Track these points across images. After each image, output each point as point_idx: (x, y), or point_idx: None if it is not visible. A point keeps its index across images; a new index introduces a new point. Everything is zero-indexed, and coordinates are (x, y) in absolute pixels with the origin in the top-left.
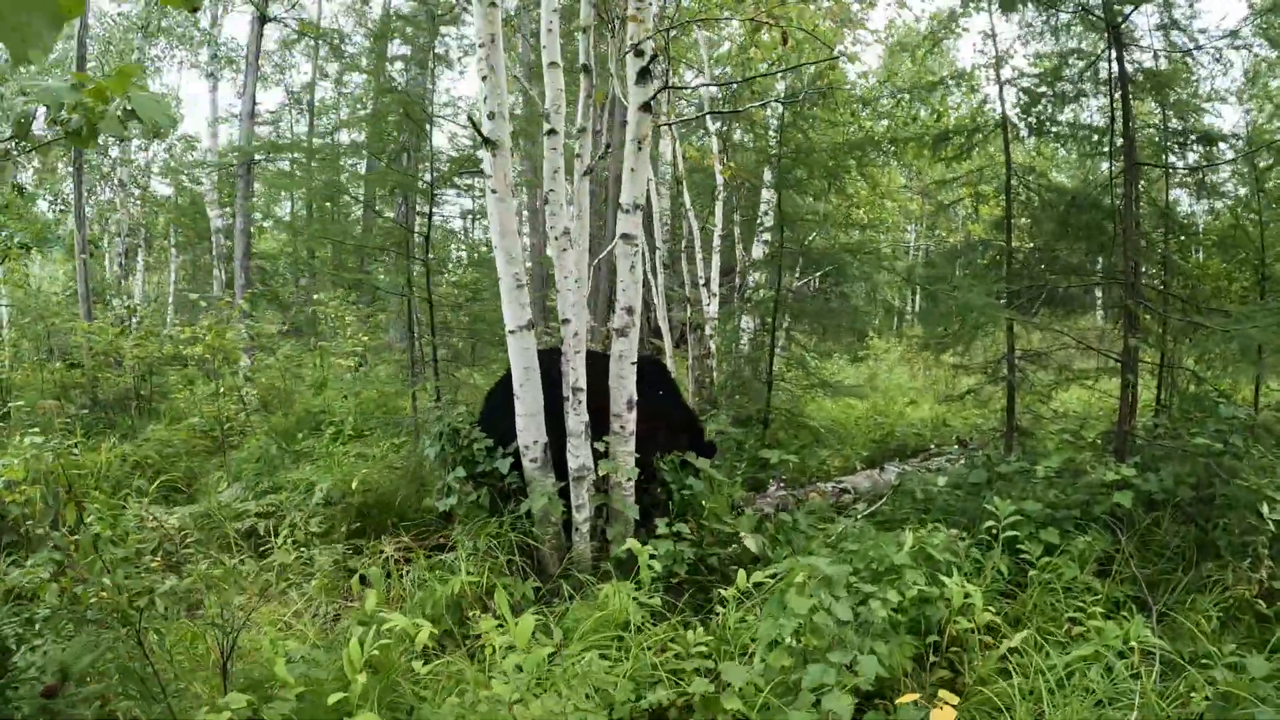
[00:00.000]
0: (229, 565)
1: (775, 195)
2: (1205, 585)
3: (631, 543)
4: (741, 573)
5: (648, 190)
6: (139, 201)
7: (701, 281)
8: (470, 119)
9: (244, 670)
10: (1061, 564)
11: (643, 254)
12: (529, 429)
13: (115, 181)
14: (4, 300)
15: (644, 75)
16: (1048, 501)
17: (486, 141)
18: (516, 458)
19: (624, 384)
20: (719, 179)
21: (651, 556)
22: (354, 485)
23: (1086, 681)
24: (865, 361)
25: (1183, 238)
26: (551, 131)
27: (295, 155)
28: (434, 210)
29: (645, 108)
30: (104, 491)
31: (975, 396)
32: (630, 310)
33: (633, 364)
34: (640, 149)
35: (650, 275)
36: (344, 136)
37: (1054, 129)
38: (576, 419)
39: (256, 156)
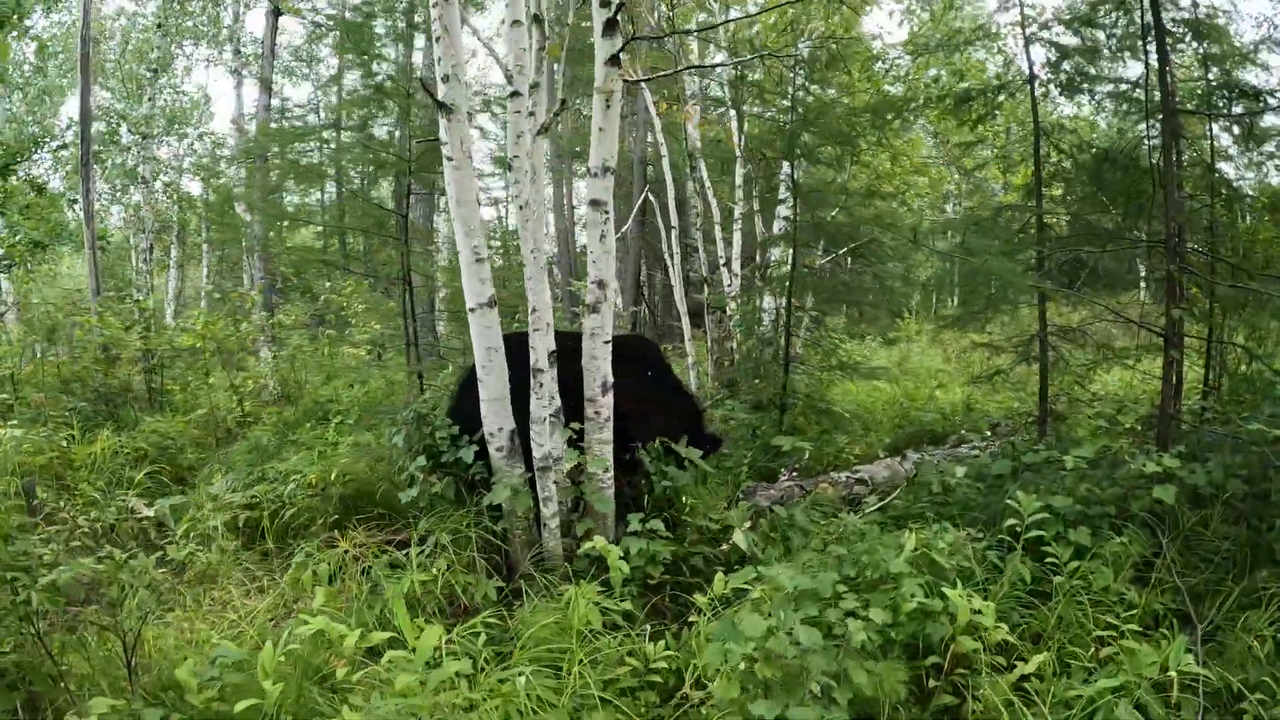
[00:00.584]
0: (146, 560)
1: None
2: (1260, 598)
3: (597, 540)
4: (719, 577)
5: (662, 168)
6: (166, 198)
7: (722, 261)
8: (422, 83)
9: (162, 672)
10: (1092, 569)
11: (671, 237)
12: (494, 415)
13: (139, 179)
14: (9, 296)
15: (610, 27)
16: (1079, 496)
17: (441, 106)
18: (483, 446)
19: (598, 365)
20: (738, 153)
21: (621, 556)
22: (333, 476)
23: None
24: (898, 343)
25: (1230, 201)
26: (515, 94)
27: (313, 144)
28: (412, 188)
29: (613, 61)
30: (91, 484)
31: (1005, 378)
32: (601, 284)
33: (606, 343)
34: (609, 106)
35: (668, 257)
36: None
37: (1085, 84)
38: (539, 404)
39: (274, 148)
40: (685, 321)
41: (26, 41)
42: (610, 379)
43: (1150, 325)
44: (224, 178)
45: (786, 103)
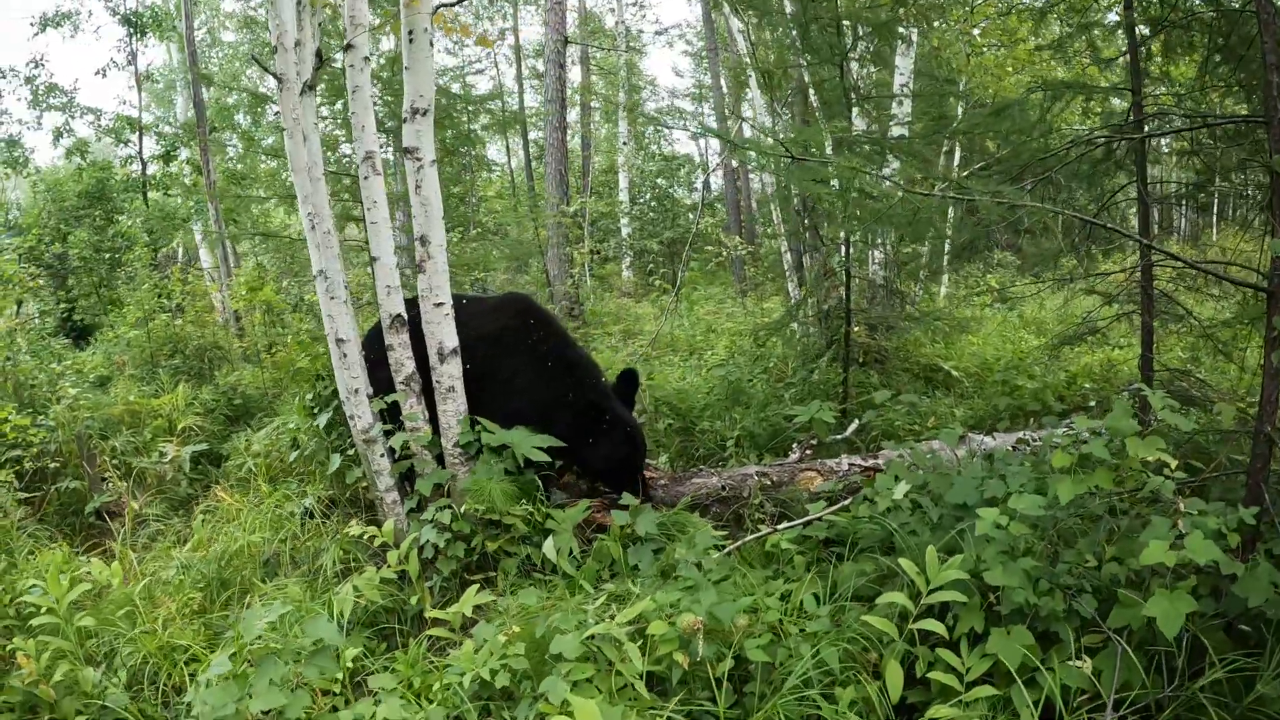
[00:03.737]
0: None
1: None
2: None
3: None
4: (471, 589)
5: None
6: None
7: None
8: (254, 56)
9: None
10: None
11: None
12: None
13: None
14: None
15: None
16: (1030, 566)
17: (275, 76)
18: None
19: (432, 330)
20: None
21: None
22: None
23: None
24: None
25: None
26: (349, 46)
27: None
28: None
29: None
30: (153, 432)
31: (1103, 337)
32: (425, 240)
33: (439, 304)
34: (412, 41)
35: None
36: None
37: None
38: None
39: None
40: (786, 258)
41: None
42: (450, 344)
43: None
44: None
45: None
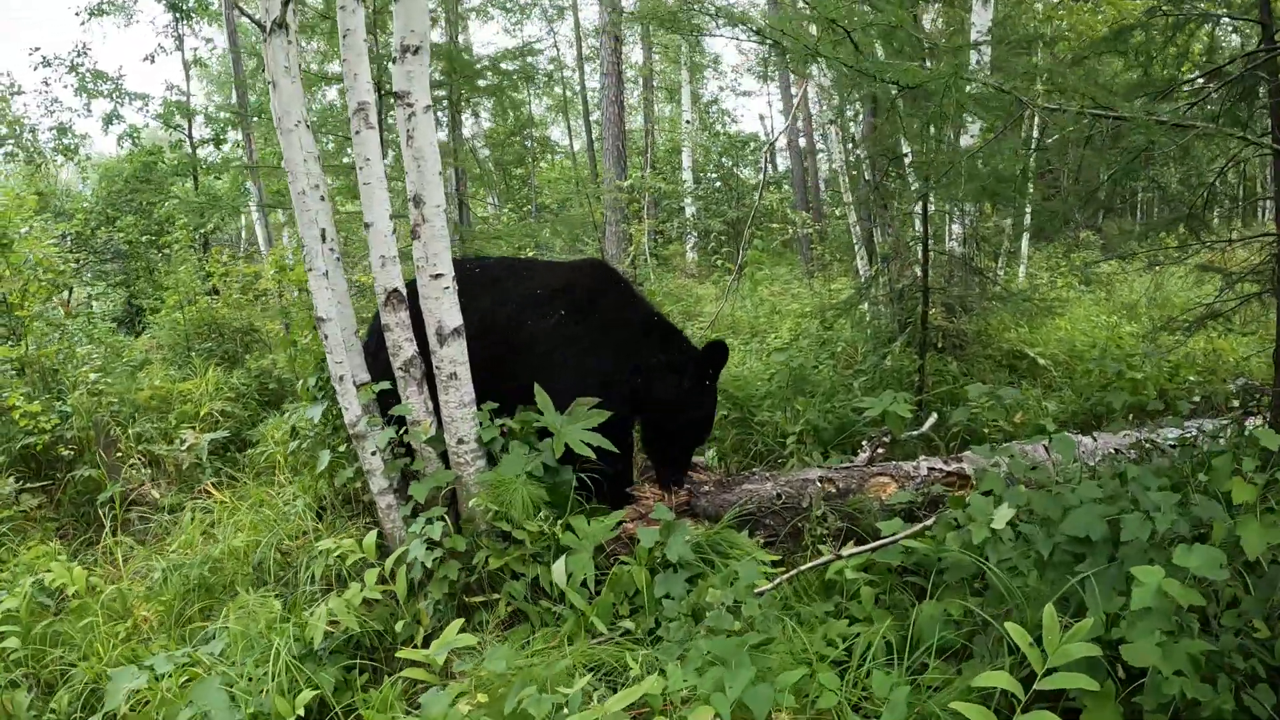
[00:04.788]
0: None
1: None
2: None
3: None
4: (453, 627)
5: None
6: None
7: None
8: (237, 4)
9: None
10: None
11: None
12: (332, 371)
13: None
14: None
15: None
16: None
17: (255, 23)
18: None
19: (429, 307)
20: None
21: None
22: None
23: None
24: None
25: None
26: None
27: None
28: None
29: None
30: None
31: (1226, 322)
32: (419, 200)
33: (437, 276)
34: None
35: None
36: None
37: None
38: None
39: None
40: (855, 231)
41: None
42: (451, 323)
43: None
44: None
45: None
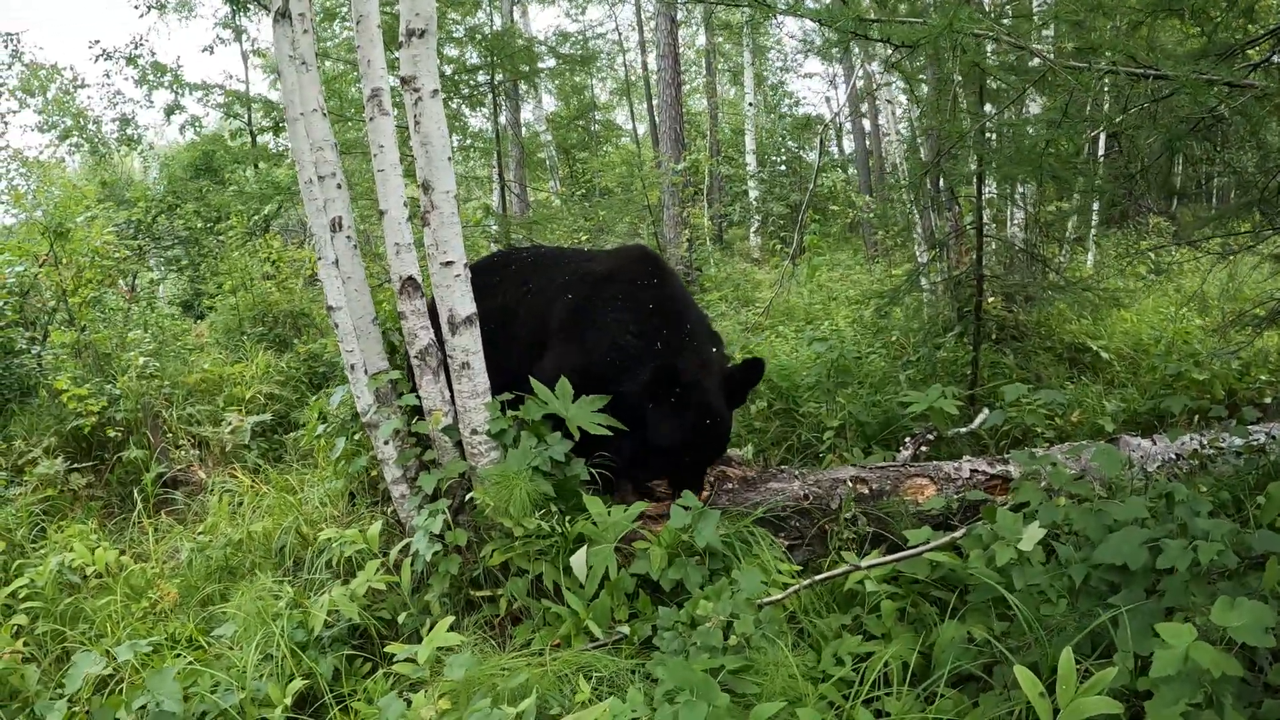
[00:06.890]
0: None
1: None
2: None
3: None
4: (441, 623)
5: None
6: None
7: None
8: None
9: None
10: None
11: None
12: (344, 359)
13: None
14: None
15: None
16: None
17: (268, 11)
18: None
19: (441, 294)
20: None
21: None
22: None
23: None
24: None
25: None
26: None
27: None
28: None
29: None
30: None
31: None
32: (428, 186)
33: (448, 263)
34: None
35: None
36: None
37: None
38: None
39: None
40: (918, 233)
41: None
42: (464, 311)
43: None
44: None
45: None
